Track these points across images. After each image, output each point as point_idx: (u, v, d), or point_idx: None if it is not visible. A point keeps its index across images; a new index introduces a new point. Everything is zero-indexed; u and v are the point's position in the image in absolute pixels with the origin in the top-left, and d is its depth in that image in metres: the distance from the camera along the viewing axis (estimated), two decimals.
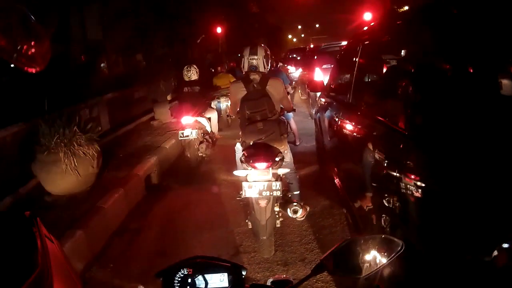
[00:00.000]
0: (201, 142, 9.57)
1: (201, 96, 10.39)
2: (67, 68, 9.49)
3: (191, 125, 9.29)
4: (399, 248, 1.55)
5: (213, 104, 12.41)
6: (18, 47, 2.21)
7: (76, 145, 6.61)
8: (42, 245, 1.17)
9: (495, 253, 2.00)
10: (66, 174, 6.47)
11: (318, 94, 9.07)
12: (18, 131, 6.91)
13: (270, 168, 4.88)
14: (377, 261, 1.55)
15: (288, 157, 5.69)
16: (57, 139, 6.48)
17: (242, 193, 4.95)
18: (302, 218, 5.78)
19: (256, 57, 5.38)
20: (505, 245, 1.99)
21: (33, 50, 2.29)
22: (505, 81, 2.42)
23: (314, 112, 9.96)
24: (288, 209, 5.41)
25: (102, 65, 13.85)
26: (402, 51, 3.89)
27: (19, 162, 6.79)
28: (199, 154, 9.64)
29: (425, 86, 3.08)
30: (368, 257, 1.56)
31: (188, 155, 9.49)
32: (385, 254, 1.56)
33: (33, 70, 2.30)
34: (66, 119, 6.86)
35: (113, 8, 13.55)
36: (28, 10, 2.41)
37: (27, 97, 7.41)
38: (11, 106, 6.82)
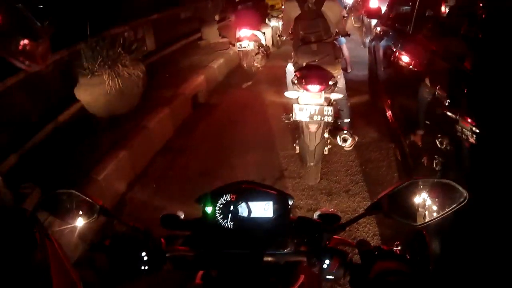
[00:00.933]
0: (256, 54, 10.27)
1: (255, 12, 10.86)
2: None
3: (248, 37, 9.98)
4: (463, 199, 1.42)
5: (266, 21, 12.62)
6: (18, 47, 2.19)
7: (120, 66, 6.57)
8: (42, 245, 1.17)
9: None
10: (110, 95, 6.48)
11: (374, 22, 8.82)
12: (60, 58, 6.88)
13: (323, 92, 4.73)
14: (436, 209, 1.46)
15: (341, 82, 5.55)
16: (101, 61, 6.44)
17: (291, 116, 4.87)
18: (350, 148, 5.68)
19: None
20: None
21: (33, 49, 2.27)
22: None
23: (368, 41, 9.75)
24: (338, 137, 5.30)
25: None
26: None
27: (62, 89, 6.82)
28: (255, 65, 10.32)
29: (496, 26, 2.94)
30: (428, 203, 1.47)
31: (245, 65, 10.24)
32: (447, 202, 1.45)
33: (33, 70, 2.30)
34: (109, 41, 6.80)
35: None
36: (28, 10, 2.37)
37: (68, 22, 7.34)
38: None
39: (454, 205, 1.42)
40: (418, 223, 1.47)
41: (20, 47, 2.21)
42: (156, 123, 6.54)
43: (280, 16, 11.63)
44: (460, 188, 1.43)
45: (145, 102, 7.32)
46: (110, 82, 6.42)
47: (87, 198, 1.55)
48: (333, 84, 4.87)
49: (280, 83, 6.43)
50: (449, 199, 1.44)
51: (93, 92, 6.53)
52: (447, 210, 1.43)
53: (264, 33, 11.02)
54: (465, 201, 1.41)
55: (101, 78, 6.41)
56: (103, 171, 5.07)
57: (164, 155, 6.30)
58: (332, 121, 4.91)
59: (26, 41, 2.24)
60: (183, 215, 1.69)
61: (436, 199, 1.46)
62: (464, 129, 2.69)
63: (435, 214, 1.45)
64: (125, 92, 6.66)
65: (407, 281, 1.27)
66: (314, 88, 4.70)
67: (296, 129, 5.24)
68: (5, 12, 2.23)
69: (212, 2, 13.81)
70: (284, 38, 6.37)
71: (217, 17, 14.63)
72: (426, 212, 1.46)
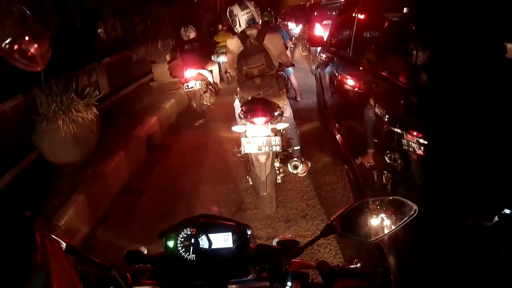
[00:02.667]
0: (204, 92, 10.30)
1: (201, 51, 10.99)
2: (64, 35, 9.39)
3: (195, 77, 10.00)
4: (412, 212, 1.48)
5: (213, 58, 12.75)
6: (17, 47, 2.18)
7: (74, 111, 6.49)
8: (42, 245, 1.16)
9: (496, 218, 2.00)
10: (66, 141, 6.37)
11: (319, 49, 9.00)
12: (16, 104, 6.83)
13: (269, 123, 4.84)
14: (388, 225, 1.50)
15: (288, 112, 5.65)
16: (55, 107, 6.36)
17: (241, 149, 4.92)
18: (303, 174, 5.78)
19: (248, 10, 5.33)
20: (507, 211, 1.98)
21: (32, 49, 2.26)
22: (510, 45, 2.37)
23: (314, 68, 9.91)
24: (289, 165, 5.40)
25: (99, 30, 13.71)
26: (404, 7, 3.83)
27: (20, 134, 6.74)
28: (204, 103, 10.32)
29: (429, 43, 3.03)
30: (379, 220, 1.52)
31: (194, 105, 10.23)
32: (397, 217, 1.50)
33: (33, 70, 2.27)
34: (63, 87, 6.72)
35: None
36: (28, 10, 2.36)
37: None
38: (8, 79, 6.73)
39: (405, 219, 1.48)
40: (372, 239, 1.50)
41: (20, 47, 2.17)
42: (112, 167, 6.49)
43: (225, 52, 11.77)
44: (409, 202, 1.50)
45: (101, 146, 7.25)
46: (65, 128, 6.32)
47: (53, 236, 1.54)
48: (278, 114, 4.98)
49: (231, 119, 6.48)
50: (400, 213, 1.50)
51: (49, 138, 6.44)
52: (398, 224, 1.48)
53: (211, 71, 11.12)
54: (414, 214, 1.47)
55: (56, 124, 6.31)
56: (64, 217, 5.01)
57: (122, 198, 6.26)
58: (281, 150, 5.00)
59: (26, 42, 2.21)
60: (146, 251, 1.71)
61: (387, 215, 1.51)
62: (409, 143, 2.75)
63: (387, 229, 1.49)
64: (80, 137, 6.58)
65: None
66: (260, 120, 4.82)
67: (247, 161, 5.29)
68: (4, 11, 2.20)
69: (162, 43, 13.91)
70: (233, 74, 6.46)
71: (167, 57, 14.75)
72: (379, 228, 1.51)
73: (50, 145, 6.52)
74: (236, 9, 5.36)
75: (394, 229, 1.49)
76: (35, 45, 2.25)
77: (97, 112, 7.07)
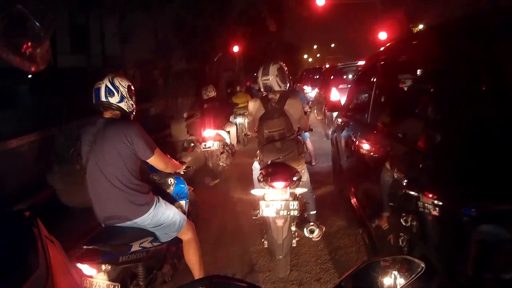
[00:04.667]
0: (222, 153, 10.37)
1: (220, 111, 11.03)
2: (86, 81, 9.53)
3: (213, 137, 10.05)
4: (420, 269, 1.51)
5: (231, 119, 12.86)
6: (18, 48, 2.21)
7: None
8: (42, 245, 1.17)
9: None
10: (82, 186, 6.39)
11: (335, 114, 9.07)
12: (35, 140, 6.90)
13: (288, 188, 4.88)
14: (397, 283, 1.51)
15: (305, 176, 5.67)
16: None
17: (259, 212, 4.95)
18: (318, 238, 5.72)
19: (268, 77, 5.36)
20: None
21: (32, 50, 2.30)
22: None
23: (330, 132, 9.98)
24: (305, 229, 5.39)
25: None
26: (419, 70, 3.90)
27: (35, 170, 6.77)
28: (220, 164, 10.33)
29: (444, 105, 3.07)
30: (388, 279, 1.52)
31: (210, 164, 10.15)
32: (405, 275, 1.52)
33: (33, 70, 2.31)
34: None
35: (131, 22, 13.69)
36: (28, 11, 2.41)
37: (46, 107, 7.37)
38: (30, 115, 6.80)
39: (413, 276, 1.50)
40: None
41: (20, 49, 2.20)
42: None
43: (245, 113, 11.87)
44: (416, 260, 1.54)
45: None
46: (81, 173, 6.30)
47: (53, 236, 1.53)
48: (297, 179, 5.05)
49: (246, 181, 6.50)
50: (408, 270, 1.53)
51: (64, 181, 6.45)
52: (406, 281, 1.49)
53: (228, 132, 11.17)
54: (421, 271, 1.50)
55: (73, 168, 6.30)
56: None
57: None
58: (299, 215, 4.99)
59: (26, 42, 2.24)
60: None
61: (396, 274, 1.52)
62: (425, 204, 2.76)
63: (398, 286, 1.49)
64: None
65: None
66: (279, 184, 4.85)
67: (264, 224, 5.29)
68: (5, 13, 2.23)
69: (182, 99, 14.08)
70: (250, 135, 6.51)
71: (185, 115, 14.89)
72: (389, 287, 1.51)
73: (65, 187, 6.52)
74: (259, 73, 5.44)
75: (403, 286, 1.49)
76: (35, 46, 2.30)
77: None
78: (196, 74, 17.62)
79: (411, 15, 35.51)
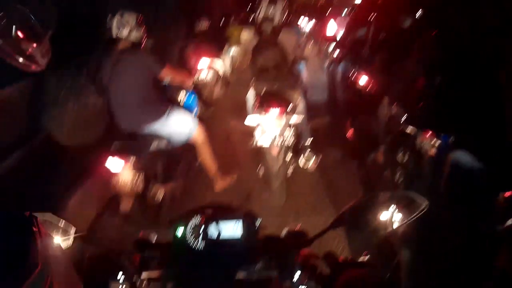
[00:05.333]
0: (215, 83, 10.27)
1: (214, 42, 10.88)
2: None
3: (206, 68, 9.98)
4: (423, 207, 1.46)
5: (225, 49, 12.67)
6: (18, 47, 2.20)
7: (85, 96, 6.52)
8: (42, 245, 1.19)
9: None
10: (76, 124, 6.42)
11: (332, 46, 9.00)
12: (26, 85, 6.81)
13: (283, 115, 4.88)
14: (398, 219, 1.49)
15: (301, 105, 5.66)
16: (66, 90, 6.35)
17: (254, 141, 4.99)
18: (314, 168, 5.79)
19: (273, 6, 5.31)
20: None
21: (33, 50, 2.28)
22: None
23: (326, 65, 9.91)
24: (300, 158, 5.42)
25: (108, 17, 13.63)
26: (419, 10, 3.87)
27: (29, 117, 6.71)
28: (214, 94, 10.27)
29: (444, 43, 3.08)
30: (388, 214, 1.50)
31: (204, 94, 9.93)
32: (407, 212, 1.49)
33: (33, 71, 2.29)
34: (75, 70, 6.68)
35: None
36: (28, 10, 2.39)
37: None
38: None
39: (414, 214, 1.46)
40: (381, 232, 1.51)
41: (20, 48, 2.20)
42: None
43: (239, 44, 11.73)
44: (419, 198, 1.50)
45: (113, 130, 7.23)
46: (75, 112, 6.38)
47: (61, 223, 1.57)
48: (292, 107, 5.05)
49: (241, 110, 6.48)
50: (410, 208, 1.49)
51: (58, 121, 6.39)
52: (408, 219, 1.47)
53: (222, 62, 11.02)
54: (424, 209, 1.46)
55: (67, 107, 6.36)
56: (70, 202, 5.09)
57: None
58: (294, 143, 5.06)
59: (26, 42, 2.23)
60: (155, 238, 1.74)
61: (397, 209, 1.50)
62: (422, 143, 2.79)
63: (396, 224, 1.49)
64: (91, 121, 6.60)
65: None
66: (275, 112, 4.84)
67: (259, 153, 5.30)
68: (5, 13, 2.22)
69: (175, 33, 13.84)
70: (244, 66, 6.49)
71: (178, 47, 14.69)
72: (389, 223, 1.50)
73: (59, 128, 6.51)
74: (264, 1, 5.36)
75: (404, 223, 1.47)
76: (35, 45, 2.29)
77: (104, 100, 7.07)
78: (189, 7, 17.23)
79: None
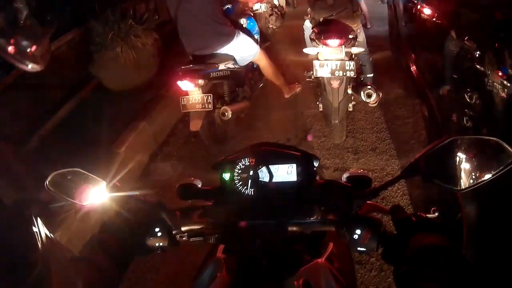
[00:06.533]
0: (270, 15, 9.86)
1: None
2: None
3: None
4: (511, 160, 1.21)
5: None
6: (18, 47, 2.17)
7: (133, 37, 6.55)
8: (42, 244, 1.15)
9: None
10: (125, 68, 6.49)
11: None
12: (72, 37, 6.79)
13: (343, 46, 4.61)
14: (482, 172, 1.25)
15: (361, 36, 5.45)
16: (113, 35, 6.42)
17: (312, 73, 4.77)
18: (375, 104, 5.58)
19: None
20: None
21: (32, 49, 2.26)
22: None
23: None
24: (362, 93, 5.18)
25: None
26: None
27: (79, 67, 6.74)
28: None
29: None
30: (472, 164, 1.28)
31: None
32: (493, 164, 1.24)
33: (33, 70, 2.25)
34: (120, 15, 6.74)
35: None
36: (28, 10, 2.33)
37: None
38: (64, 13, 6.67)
39: (501, 167, 1.23)
40: (462, 187, 1.29)
41: (20, 48, 2.20)
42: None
43: None
44: (508, 148, 1.22)
45: (163, 69, 7.21)
46: (124, 55, 6.42)
47: (93, 176, 1.50)
48: (353, 38, 4.75)
49: (298, 43, 6.32)
50: (495, 159, 1.25)
51: (108, 66, 6.53)
52: (493, 172, 1.24)
53: None
54: None
55: (115, 52, 6.40)
56: (124, 144, 5.15)
57: (185, 122, 6.10)
58: (355, 76, 4.79)
59: (26, 42, 2.24)
60: (200, 184, 1.62)
61: (481, 160, 1.28)
62: (495, 83, 2.62)
63: (479, 177, 1.26)
64: (141, 63, 6.67)
65: (453, 263, 1.09)
66: (334, 42, 4.59)
67: (319, 86, 5.15)
68: (5, 12, 2.23)
69: None
70: None
71: None
72: (471, 175, 1.28)
73: (109, 73, 6.64)
74: None
75: (488, 178, 1.24)
76: (35, 45, 2.25)
77: (157, 37, 7.13)
78: None
79: None
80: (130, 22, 6.70)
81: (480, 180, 1.26)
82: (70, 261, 1.35)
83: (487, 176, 1.24)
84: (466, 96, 3.10)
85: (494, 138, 1.25)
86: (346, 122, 5.31)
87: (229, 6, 5.95)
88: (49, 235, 1.30)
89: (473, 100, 3.00)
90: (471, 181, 1.27)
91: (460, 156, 1.29)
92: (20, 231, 1.16)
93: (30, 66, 2.27)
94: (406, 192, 4.19)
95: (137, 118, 5.70)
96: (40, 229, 1.23)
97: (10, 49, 2.15)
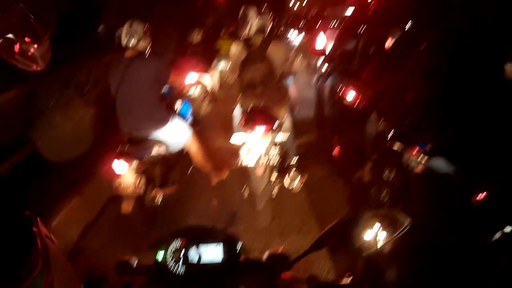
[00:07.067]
0: (203, 99, 10.22)
1: (203, 57, 10.96)
2: (66, 26, 9.26)
3: (194, 83, 9.90)
4: (406, 224, 1.45)
5: (214, 64, 12.66)
6: (18, 47, 2.18)
7: (73, 109, 6.51)
8: (42, 245, 1.12)
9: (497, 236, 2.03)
10: (62, 139, 6.37)
11: (320, 60, 8.96)
12: (14, 95, 6.72)
13: (269, 133, 4.75)
14: (383, 237, 1.48)
15: (287, 123, 5.58)
16: (53, 103, 6.38)
17: (239, 160, 4.86)
18: (300, 188, 5.65)
19: (260, 17, 5.21)
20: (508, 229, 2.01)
21: (33, 50, 2.27)
22: None
23: (315, 79, 9.88)
24: (285, 178, 5.30)
25: (100, 27, 13.67)
26: (409, 22, 3.83)
27: (16, 128, 6.63)
28: (202, 110, 10.16)
29: (434, 58, 3.02)
30: (372, 233, 1.49)
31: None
32: (391, 230, 1.47)
33: (33, 70, 2.25)
34: (63, 83, 6.71)
35: None
36: (28, 10, 2.36)
37: None
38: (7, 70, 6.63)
39: (398, 231, 1.45)
40: (365, 252, 1.49)
41: (20, 48, 2.16)
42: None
43: (228, 58, 11.73)
44: (403, 215, 1.47)
45: (98, 146, 7.14)
46: (62, 125, 6.39)
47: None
48: (278, 125, 4.90)
49: (228, 127, 6.42)
50: (393, 226, 1.47)
51: (46, 134, 6.37)
52: (392, 236, 1.45)
53: (211, 77, 10.91)
54: (408, 226, 1.44)
55: (54, 121, 6.35)
56: (55, 219, 5.04)
57: (116, 201, 5.83)
58: (280, 162, 4.95)
59: (26, 42, 2.20)
60: (136, 261, 1.70)
61: (381, 228, 1.48)
62: (410, 159, 2.74)
63: (381, 242, 1.47)
64: (77, 136, 6.58)
65: None
66: (260, 130, 4.72)
67: (245, 172, 5.22)
68: (5, 12, 2.20)
69: (165, 45, 13.83)
70: (232, 80, 6.45)
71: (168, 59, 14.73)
72: (373, 241, 1.48)
73: (46, 141, 6.45)
74: (251, 13, 5.23)
75: (388, 241, 1.47)
76: (35, 45, 2.23)
77: (95, 112, 7.10)
78: (179, 19, 17.35)
79: None
80: (72, 93, 6.63)
81: (382, 244, 1.47)
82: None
83: (387, 240, 1.47)
84: (384, 173, 3.22)
85: (390, 209, 1.46)
86: (272, 205, 5.34)
87: (167, 89, 6.03)
88: (49, 235, 1.26)
89: (391, 177, 3.11)
90: (374, 245, 1.48)
91: (363, 226, 1.51)
92: (20, 231, 1.11)
93: (30, 67, 2.22)
94: (332, 266, 4.20)
95: (69, 193, 5.64)
96: (40, 229, 1.20)
97: (11, 49, 2.10)
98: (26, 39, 2.27)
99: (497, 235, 2.17)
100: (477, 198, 2.26)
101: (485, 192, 2.22)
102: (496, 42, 2.63)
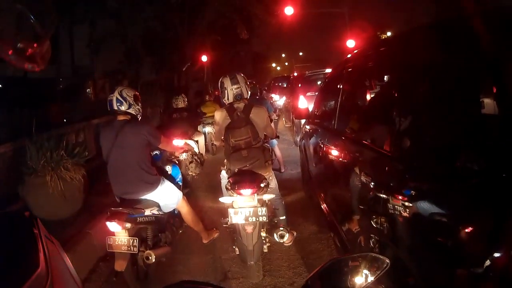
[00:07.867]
0: (190, 162, 10.20)
1: (188, 121, 11.18)
2: (55, 90, 9.38)
3: (181, 147, 9.69)
4: (385, 265, 1.55)
5: (200, 128, 12.79)
6: (18, 47, 2.23)
7: (63, 169, 6.61)
8: (42, 245, 1.19)
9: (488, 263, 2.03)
10: (52, 197, 6.46)
11: (303, 121, 9.14)
12: (4, 151, 6.82)
13: (256, 194, 4.97)
14: (364, 280, 1.54)
15: (273, 183, 5.73)
16: (44, 162, 6.48)
17: (228, 220, 5.03)
18: (290, 243, 5.81)
19: (238, 85, 5.43)
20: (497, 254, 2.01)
21: (32, 50, 2.31)
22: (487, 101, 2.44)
23: (299, 139, 10.05)
24: (275, 234, 5.41)
25: (88, 90, 13.80)
26: (385, 76, 3.99)
27: (6, 183, 6.69)
28: (189, 173, 10.14)
29: (409, 110, 3.15)
30: (355, 276, 1.55)
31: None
32: (371, 272, 1.55)
33: (33, 70, 2.32)
34: (53, 143, 6.83)
35: (101, 31, 13.63)
36: (28, 10, 2.42)
37: (16, 118, 7.28)
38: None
39: (378, 273, 1.54)
40: None
41: (20, 48, 2.21)
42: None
43: (213, 123, 11.79)
44: (381, 257, 1.58)
45: (87, 206, 7.26)
46: (53, 184, 6.43)
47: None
48: (265, 185, 5.14)
49: (215, 189, 6.54)
50: (374, 267, 1.56)
51: (36, 192, 6.49)
52: (372, 278, 1.54)
53: (197, 141, 11.10)
54: (387, 267, 1.54)
55: (44, 179, 6.41)
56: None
57: (107, 260, 6.00)
58: (267, 220, 5.11)
59: (26, 42, 2.23)
60: None
61: (360, 271, 1.56)
62: (395, 206, 2.82)
63: (362, 285, 1.53)
64: (67, 196, 6.66)
65: None
66: (247, 192, 4.94)
67: (234, 231, 5.36)
68: (5, 13, 2.23)
69: (151, 110, 13.96)
70: (217, 144, 6.60)
71: (155, 124, 14.79)
72: (355, 284, 1.55)
73: (36, 199, 6.55)
74: (227, 82, 5.46)
75: (369, 283, 1.53)
76: (35, 46, 2.31)
77: (85, 173, 7.19)
78: (165, 84, 17.50)
79: (379, 23, 35.91)
80: (62, 154, 6.79)
81: (363, 286, 1.53)
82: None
83: (368, 281, 1.53)
84: (372, 222, 3.29)
85: (367, 253, 1.55)
86: (263, 262, 5.42)
87: (157, 152, 6.24)
88: (49, 236, 1.27)
89: (378, 225, 3.18)
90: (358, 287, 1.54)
91: (344, 271, 1.58)
92: (20, 231, 1.14)
93: (30, 67, 2.25)
94: None
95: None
96: (40, 230, 1.21)
97: (11, 49, 2.14)
98: (26, 39, 2.31)
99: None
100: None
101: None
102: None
